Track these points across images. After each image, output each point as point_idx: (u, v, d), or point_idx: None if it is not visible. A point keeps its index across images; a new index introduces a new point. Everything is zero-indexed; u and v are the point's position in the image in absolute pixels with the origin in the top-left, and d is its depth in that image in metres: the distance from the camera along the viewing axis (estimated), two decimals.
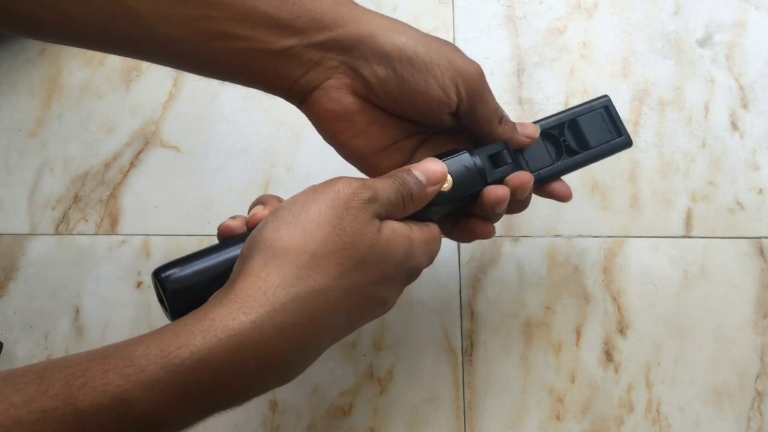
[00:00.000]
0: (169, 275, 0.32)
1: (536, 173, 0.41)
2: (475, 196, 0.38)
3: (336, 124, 0.38)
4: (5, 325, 0.49)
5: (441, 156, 0.37)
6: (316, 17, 0.36)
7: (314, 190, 0.33)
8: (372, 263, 0.32)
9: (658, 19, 0.60)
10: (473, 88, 0.38)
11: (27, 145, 0.56)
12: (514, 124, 0.41)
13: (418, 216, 0.36)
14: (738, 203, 0.53)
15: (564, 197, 0.43)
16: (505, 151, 0.39)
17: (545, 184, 0.42)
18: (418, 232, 0.35)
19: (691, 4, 0.61)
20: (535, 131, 0.41)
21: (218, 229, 0.36)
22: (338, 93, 0.37)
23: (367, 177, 0.39)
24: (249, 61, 0.36)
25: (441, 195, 0.36)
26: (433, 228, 0.37)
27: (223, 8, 0.35)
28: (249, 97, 0.57)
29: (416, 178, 0.35)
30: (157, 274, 0.33)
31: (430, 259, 0.37)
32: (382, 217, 0.34)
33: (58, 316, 0.50)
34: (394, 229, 0.33)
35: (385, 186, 0.34)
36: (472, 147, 0.39)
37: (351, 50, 0.37)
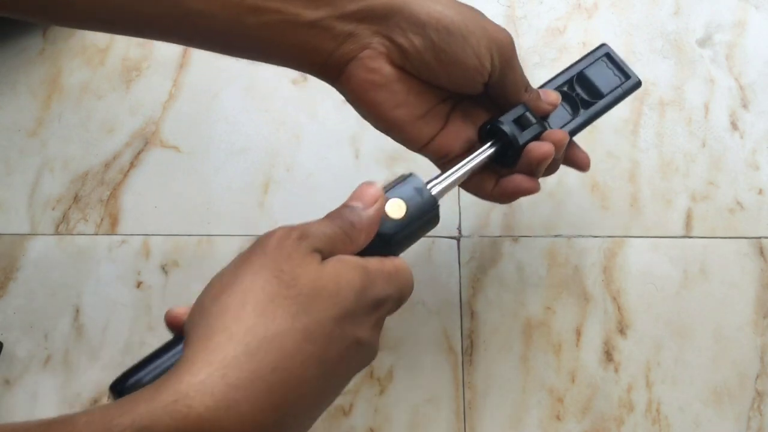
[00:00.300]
0: (127, 386, 0.29)
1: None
2: (430, 220, 0.36)
3: (376, 94, 0.38)
4: (5, 325, 0.49)
5: (390, 184, 0.35)
6: None
7: (242, 252, 0.30)
8: (324, 297, 0.29)
9: (658, 19, 0.60)
10: (506, 57, 0.38)
11: (27, 145, 0.56)
12: (538, 92, 0.41)
13: (381, 253, 0.33)
14: (738, 203, 0.53)
15: (584, 165, 0.44)
16: (527, 113, 0.40)
17: (568, 149, 0.43)
18: (375, 262, 0.32)
19: (691, 4, 0.61)
20: (557, 98, 0.42)
21: (165, 318, 0.32)
22: (377, 62, 0.37)
23: (407, 148, 0.41)
24: (281, 35, 0.36)
25: (395, 223, 0.34)
26: (397, 260, 0.33)
27: None
28: (249, 97, 0.57)
29: (350, 206, 0.33)
30: (113, 388, 0.30)
31: (399, 290, 0.33)
32: (326, 253, 0.31)
33: (58, 316, 0.50)
34: (341, 259, 0.31)
35: (317, 223, 0.32)
36: (497, 113, 0.40)
37: (385, 20, 0.36)
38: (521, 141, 0.40)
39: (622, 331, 0.49)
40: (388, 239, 0.34)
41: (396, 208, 0.34)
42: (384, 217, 0.34)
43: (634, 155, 0.55)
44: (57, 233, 0.52)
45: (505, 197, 0.42)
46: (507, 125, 0.39)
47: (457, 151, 0.41)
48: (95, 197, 0.54)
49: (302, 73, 0.58)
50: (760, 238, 0.52)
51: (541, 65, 0.58)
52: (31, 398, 0.47)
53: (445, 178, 0.38)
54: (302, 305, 0.28)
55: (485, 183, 0.41)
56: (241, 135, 0.56)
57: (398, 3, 0.36)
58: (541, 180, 0.54)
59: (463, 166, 0.39)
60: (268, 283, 0.28)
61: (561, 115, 0.43)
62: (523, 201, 0.53)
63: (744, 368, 0.48)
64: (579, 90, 0.44)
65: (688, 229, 0.52)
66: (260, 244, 0.30)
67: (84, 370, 0.48)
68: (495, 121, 0.40)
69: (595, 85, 0.44)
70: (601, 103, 0.44)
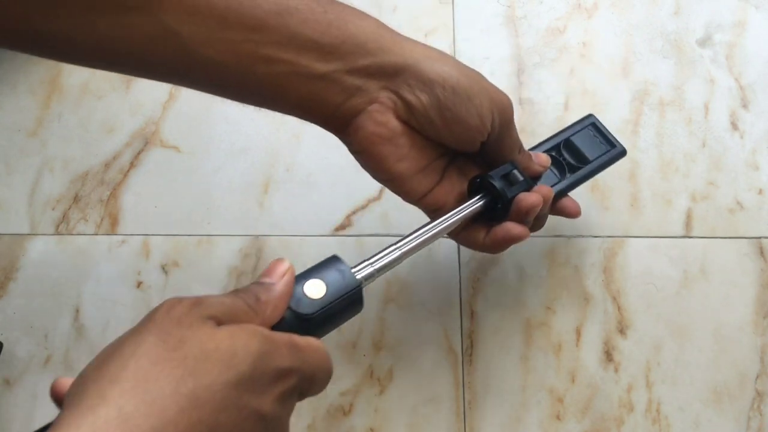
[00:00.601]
0: None
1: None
2: (352, 302, 0.35)
3: (383, 147, 0.39)
4: (5, 325, 0.49)
5: (313, 267, 0.35)
6: (359, 43, 0.37)
7: (139, 323, 0.28)
8: (215, 360, 0.26)
9: (658, 19, 0.60)
10: (505, 119, 0.40)
11: (27, 145, 0.56)
12: (529, 153, 0.44)
13: (298, 333, 0.32)
14: (738, 203, 0.53)
15: (573, 213, 0.45)
16: (515, 171, 0.41)
17: (556, 202, 0.45)
18: (282, 334, 0.30)
19: (691, 4, 0.61)
20: (547, 160, 0.45)
21: (50, 392, 0.31)
22: (384, 116, 0.38)
23: (403, 199, 0.42)
24: (291, 85, 0.36)
25: (313, 303, 0.33)
26: (311, 338, 0.31)
27: (267, 33, 0.35)
28: None
29: (259, 281, 0.32)
30: None
31: (310, 366, 0.30)
32: (222, 321, 0.29)
33: (58, 316, 0.50)
34: (240, 324, 0.29)
35: (215, 295, 0.30)
36: (488, 170, 0.41)
37: (394, 76, 0.37)
38: (510, 195, 0.41)
39: (622, 331, 0.49)
40: (305, 319, 0.33)
41: (315, 289, 0.34)
42: (303, 297, 0.33)
43: (634, 155, 0.55)
44: (57, 233, 0.52)
45: (497, 246, 0.42)
46: (497, 180, 0.41)
47: (450, 204, 0.41)
48: (95, 197, 0.54)
49: None
50: (760, 238, 0.52)
51: (541, 65, 0.58)
52: (31, 398, 0.47)
53: (376, 260, 0.37)
54: (189, 369, 0.26)
55: (477, 234, 0.42)
56: (241, 135, 0.56)
57: (408, 61, 0.37)
58: None
59: (433, 227, 0.40)
60: (152, 346, 0.26)
61: (548, 177, 0.45)
62: None
63: (744, 368, 0.48)
64: (566, 155, 0.46)
65: (688, 229, 0.52)
66: (149, 314, 0.28)
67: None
68: (485, 176, 0.41)
69: (581, 152, 0.47)
70: (587, 168, 0.46)
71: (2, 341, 0.48)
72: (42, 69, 0.59)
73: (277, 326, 0.32)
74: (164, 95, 0.57)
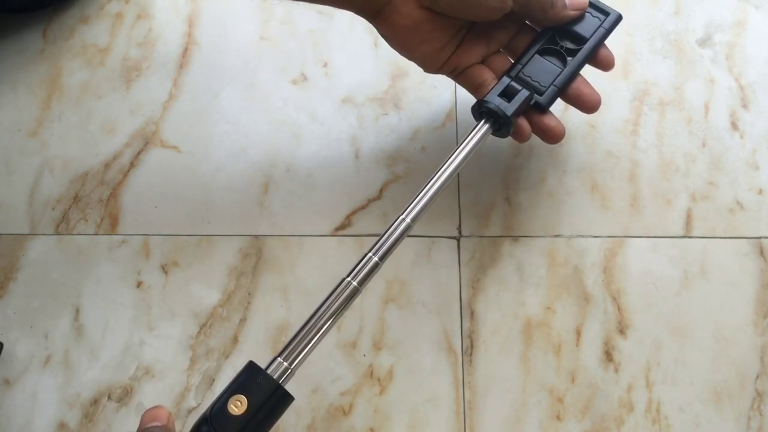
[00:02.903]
0: None
1: (552, 86, 0.45)
2: (277, 404, 0.36)
3: (406, 35, 0.43)
4: (5, 325, 0.49)
5: (233, 382, 0.35)
6: None
7: None
8: None
9: (658, 19, 0.60)
10: None
11: (27, 145, 0.56)
12: (563, 2, 0.45)
13: None
14: (738, 203, 0.53)
15: (592, 103, 0.46)
16: (512, 83, 0.44)
17: (565, 91, 0.46)
18: None
19: (691, 4, 0.61)
20: (583, 3, 0.46)
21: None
22: (408, 8, 0.42)
23: (424, 70, 0.47)
24: None
25: (238, 420, 0.34)
26: None
27: None
28: (249, 97, 0.57)
29: (148, 426, 0.35)
30: None
31: None
32: None
33: (58, 316, 0.50)
34: None
35: None
36: (512, 28, 0.46)
37: None
38: (509, 112, 0.43)
39: (622, 331, 0.49)
40: None
41: (237, 405, 0.34)
42: (226, 416, 0.34)
43: (634, 155, 0.55)
44: (57, 233, 0.52)
45: (573, 101, 0.46)
46: (493, 103, 0.43)
47: (470, 63, 0.46)
48: (95, 197, 0.54)
49: (302, 73, 0.58)
50: (760, 238, 0.52)
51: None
52: (31, 398, 0.47)
53: (290, 349, 0.37)
54: None
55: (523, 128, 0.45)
56: (241, 135, 0.56)
57: None
58: (541, 179, 0.54)
59: (438, 176, 0.42)
60: None
61: (550, 70, 0.46)
62: (523, 201, 0.53)
63: (744, 368, 0.48)
64: (562, 42, 0.46)
65: (688, 229, 0.52)
66: None
67: (84, 370, 0.48)
68: (482, 101, 0.44)
69: (576, 32, 0.46)
70: (587, 46, 0.46)
71: (2, 341, 0.48)
72: (42, 69, 0.59)
73: None
74: (164, 95, 0.57)
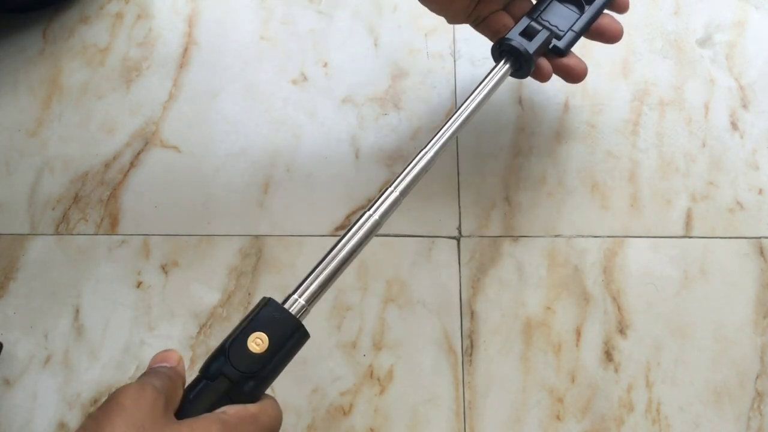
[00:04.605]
0: None
1: (570, 31, 0.46)
2: (297, 342, 0.35)
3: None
4: (5, 325, 0.49)
5: (249, 315, 0.34)
6: None
7: (98, 411, 0.31)
8: None
9: (658, 19, 0.60)
10: None
11: (27, 145, 0.56)
12: None
13: (252, 390, 0.33)
14: (738, 203, 0.53)
15: (616, 33, 0.47)
16: (532, 23, 0.45)
17: (585, 33, 0.47)
18: (233, 411, 0.32)
19: (691, 4, 0.61)
20: None
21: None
22: None
23: (448, 22, 0.48)
24: None
25: (259, 358, 0.33)
26: (263, 403, 0.33)
27: None
28: (249, 97, 0.57)
29: (165, 367, 0.34)
30: None
31: (268, 428, 0.33)
32: (171, 407, 0.32)
33: (58, 316, 0.50)
34: (196, 418, 0.31)
35: (154, 377, 0.32)
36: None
37: None
38: (531, 50, 0.44)
39: (622, 331, 0.49)
40: (255, 376, 0.33)
41: (257, 342, 0.33)
42: (246, 353, 0.33)
43: (634, 155, 0.55)
44: (57, 233, 0.52)
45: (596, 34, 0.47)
46: (515, 40, 0.44)
47: (492, 10, 0.47)
48: (95, 197, 0.54)
49: (302, 73, 0.58)
50: (760, 238, 0.52)
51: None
52: (31, 398, 0.47)
53: (308, 286, 0.36)
54: None
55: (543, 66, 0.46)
56: (241, 135, 0.56)
57: None
58: (541, 179, 0.54)
59: (461, 113, 0.43)
60: None
61: (568, 15, 0.47)
62: (523, 201, 0.53)
63: (744, 368, 0.48)
64: None
65: (688, 229, 0.52)
66: (115, 402, 0.30)
67: (84, 370, 0.48)
68: (504, 39, 0.45)
69: None
70: None
71: (2, 341, 0.48)
72: (42, 69, 0.59)
73: (233, 389, 0.32)
74: (164, 95, 0.57)
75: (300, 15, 0.61)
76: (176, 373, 0.33)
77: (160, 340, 0.49)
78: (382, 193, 0.39)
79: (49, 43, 0.60)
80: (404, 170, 0.40)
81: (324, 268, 0.37)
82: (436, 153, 0.41)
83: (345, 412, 0.47)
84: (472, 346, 0.49)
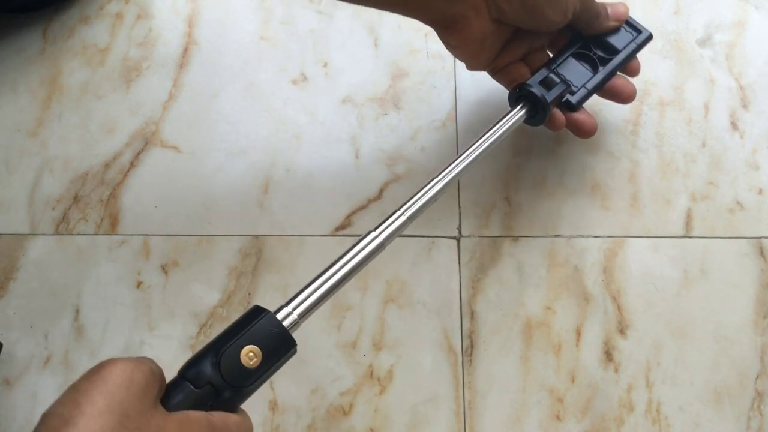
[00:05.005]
0: None
1: (583, 87, 0.48)
2: (287, 359, 0.34)
3: (474, 46, 0.45)
4: (5, 325, 0.49)
5: (240, 322, 0.34)
6: None
7: (80, 381, 0.28)
8: None
9: (658, 19, 0.60)
10: (586, 6, 0.47)
11: (27, 145, 0.56)
12: (607, 14, 0.49)
13: (232, 401, 0.32)
14: (738, 203, 0.53)
15: (628, 94, 0.50)
16: (551, 75, 0.47)
17: (596, 92, 0.50)
18: (219, 417, 0.31)
19: (691, 4, 0.61)
20: (626, 9, 0.51)
21: None
22: (480, 21, 0.44)
23: (468, 69, 0.50)
24: None
25: (250, 373, 0.32)
26: (240, 415, 0.33)
27: None
28: (249, 97, 0.57)
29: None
30: None
31: None
32: (160, 394, 0.30)
33: (58, 316, 0.50)
34: (187, 414, 0.30)
35: (148, 361, 0.31)
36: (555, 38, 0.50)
37: None
38: (549, 99, 0.46)
39: (622, 331, 0.49)
40: (244, 392, 0.32)
41: (250, 356, 0.32)
42: (238, 366, 0.32)
43: (634, 155, 0.55)
44: (57, 233, 0.52)
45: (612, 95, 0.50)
46: (535, 87, 0.46)
47: (511, 60, 0.49)
48: (95, 197, 0.54)
49: (302, 73, 0.58)
50: (760, 238, 0.52)
51: None
52: (31, 398, 0.47)
53: (303, 300, 0.36)
54: None
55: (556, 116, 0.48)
56: (241, 135, 0.56)
57: None
58: (541, 179, 0.54)
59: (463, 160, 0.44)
60: (109, 430, 0.26)
61: (582, 73, 0.49)
62: (523, 201, 0.53)
63: (744, 368, 0.48)
64: (596, 50, 0.49)
65: (688, 229, 0.52)
66: (101, 377, 0.28)
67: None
68: (524, 85, 0.46)
69: (609, 43, 0.50)
70: (618, 57, 0.49)
71: (2, 341, 0.48)
72: (42, 69, 0.59)
73: (217, 398, 0.31)
74: (164, 95, 0.57)
75: (300, 15, 0.61)
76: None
77: (160, 340, 0.49)
78: (390, 216, 0.40)
79: (49, 43, 0.60)
80: (414, 196, 0.42)
81: (322, 284, 0.36)
82: (446, 185, 0.43)
83: (345, 412, 0.47)
84: (472, 346, 0.49)
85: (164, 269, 0.51)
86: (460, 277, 0.51)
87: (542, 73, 0.47)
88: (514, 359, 0.49)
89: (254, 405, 0.47)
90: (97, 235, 0.52)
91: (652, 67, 0.58)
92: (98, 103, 0.57)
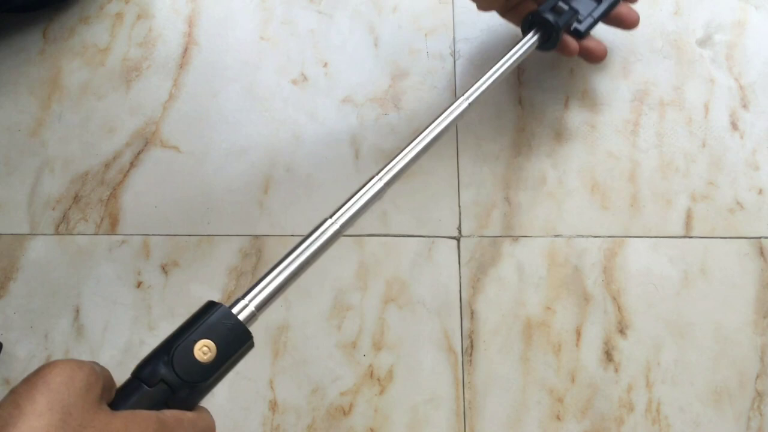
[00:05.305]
0: None
1: (590, 17, 0.52)
2: (244, 352, 0.33)
3: None
4: (5, 325, 0.49)
5: (193, 318, 0.32)
6: None
7: (21, 384, 0.27)
8: None
9: (658, 19, 0.60)
10: None
11: (27, 145, 0.56)
12: None
13: (191, 399, 0.31)
14: (738, 203, 0.53)
15: (633, 20, 0.53)
16: (560, 3, 0.51)
17: (605, 18, 0.53)
18: (171, 414, 0.30)
19: (691, 4, 0.61)
20: None
21: None
22: None
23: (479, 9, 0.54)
24: None
25: (205, 368, 0.31)
26: (199, 413, 0.31)
27: None
28: (249, 97, 0.57)
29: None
30: None
31: None
32: (106, 396, 0.29)
33: (58, 316, 0.50)
34: (134, 412, 0.28)
35: (93, 364, 0.29)
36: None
37: None
38: (560, 24, 0.49)
39: (622, 331, 0.49)
40: (200, 388, 0.31)
41: (204, 351, 0.31)
42: (192, 361, 0.30)
43: (634, 155, 0.55)
44: (57, 233, 0.52)
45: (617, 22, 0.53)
46: (547, 13, 0.49)
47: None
48: (95, 197, 0.54)
49: (302, 73, 0.58)
50: (760, 238, 0.52)
51: (541, 65, 0.58)
52: None
53: (259, 291, 0.34)
54: None
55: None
56: (241, 135, 0.56)
57: None
58: (541, 179, 0.54)
59: (492, 75, 0.47)
60: (52, 428, 0.25)
61: (588, 3, 0.52)
62: (523, 201, 0.53)
63: (744, 368, 0.48)
64: None
65: (688, 229, 0.52)
66: (41, 378, 0.27)
67: None
68: (536, 12, 0.49)
69: None
70: None
71: (2, 341, 0.48)
72: (42, 69, 0.59)
73: (173, 396, 0.30)
74: (164, 95, 0.57)
75: (300, 15, 0.61)
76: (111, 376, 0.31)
77: (160, 340, 0.49)
78: (350, 198, 0.38)
79: (49, 43, 0.60)
80: (394, 158, 0.42)
81: (278, 274, 0.35)
82: (470, 102, 0.45)
83: (345, 412, 0.47)
84: (472, 346, 0.49)
85: (164, 269, 0.51)
86: (460, 277, 0.51)
87: (551, 2, 0.50)
88: (514, 359, 0.49)
89: (254, 405, 0.47)
90: (97, 235, 0.52)
91: (652, 67, 0.58)
92: (98, 103, 0.57)
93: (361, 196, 0.39)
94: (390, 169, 0.41)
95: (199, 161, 0.55)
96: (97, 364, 0.29)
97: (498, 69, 0.47)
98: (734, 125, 0.56)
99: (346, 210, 0.38)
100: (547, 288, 0.50)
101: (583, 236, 0.52)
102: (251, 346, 0.33)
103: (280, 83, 0.58)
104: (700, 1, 0.61)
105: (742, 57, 0.58)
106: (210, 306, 0.33)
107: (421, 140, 0.43)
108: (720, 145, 0.55)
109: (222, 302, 0.33)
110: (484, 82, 0.46)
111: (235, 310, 0.33)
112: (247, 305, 0.34)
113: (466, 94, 0.45)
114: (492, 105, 0.56)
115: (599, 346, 0.49)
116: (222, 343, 0.31)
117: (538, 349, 0.49)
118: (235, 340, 0.32)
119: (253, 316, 0.34)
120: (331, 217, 0.37)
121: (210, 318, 0.32)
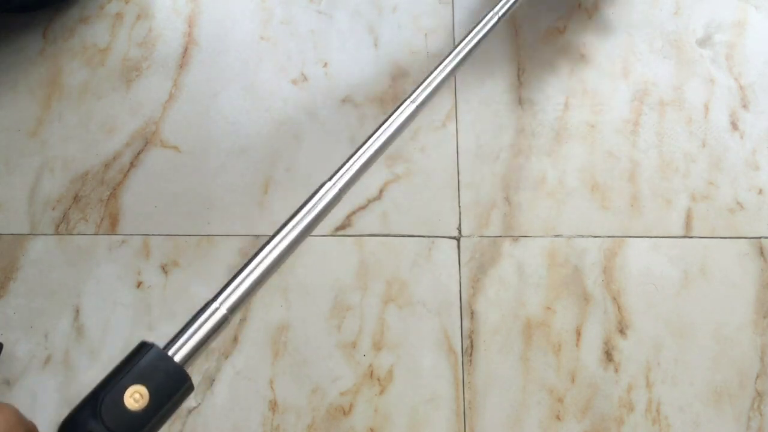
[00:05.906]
0: None
1: None
2: (182, 397, 0.30)
3: None
4: (5, 325, 0.49)
5: (126, 361, 0.30)
6: None
7: None
8: None
9: (658, 19, 0.60)
10: None
11: (27, 145, 0.56)
12: None
13: None
14: (738, 203, 0.53)
15: None
16: None
17: None
18: None
19: (691, 4, 0.61)
20: None
21: None
22: None
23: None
24: None
25: (136, 416, 0.28)
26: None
27: None
28: (249, 97, 0.57)
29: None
30: None
31: None
32: None
33: (58, 316, 0.50)
34: None
35: (23, 417, 0.28)
36: None
37: None
38: None
39: (622, 331, 0.49)
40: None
41: (136, 398, 0.29)
42: (122, 410, 0.28)
43: (634, 155, 0.55)
44: (57, 233, 0.52)
45: None
46: None
47: None
48: (95, 197, 0.54)
49: (302, 73, 0.58)
50: (760, 238, 0.52)
51: (540, 65, 0.58)
52: (31, 398, 0.47)
53: (188, 338, 0.32)
54: None
55: None
56: (241, 135, 0.56)
57: None
58: (541, 179, 0.54)
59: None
60: None
61: None
62: (523, 201, 0.53)
63: (744, 368, 0.48)
64: None
65: (688, 229, 0.52)
66: None
67: (84, 370, 0.48)
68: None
69: None
70: None
71: (2, 341, 0.48)
72: (42, 69, 0.59)
73: None
74: (164, 95, 0.57)
75: (300, 15, 0.61)
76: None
77: (161, 340, 0.49)
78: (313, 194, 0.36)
79: (49, 43, 0.60)
80: (387, 121, 0.39)
81: (207, 319, 0.33)
82: (465, 54, 0.43)
83: (345, 412, 0.47)
84: (472, 346, 0.49)
85: (164, 269, 0.51)
86: (460, 277, 0.51)
87: None
88: (514, 359, 0.49)
89: (254, 405, 0.47)
90: (97, 235, 0.52)
91: (652, 67, 0.58)
92: (98, 103, 0.57)
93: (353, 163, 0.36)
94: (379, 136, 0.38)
95: (199, 161, 0.55)
96: (20, 412, 0.28)
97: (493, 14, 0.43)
98: (734, 125, 0.56)
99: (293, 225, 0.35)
100: (547, 288, 0.50)
101: (583, 236, 0.52)
102: (190, 389, 0.30)
103: (280, 83, 0.58)
104: (700, 1, 0.61)
105: (742, 57, 0.58)
106: (141, 347, 0.30)
107: (419, 94, 0.40)
108: (720, 145, 0.55)
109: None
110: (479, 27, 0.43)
111: (171, 351, 0.31)
112: (182, 346, 0.31)
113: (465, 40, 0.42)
114: (492, 105, 0.56)
115: (599, 346, 0.49)
116: (155, 389, 0.29)
117: (538, 349, 0.49)
118: (170, 385, 0.29)
119: (189, 357, 0.31)
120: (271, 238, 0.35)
121: (141, 361, 0.30)
